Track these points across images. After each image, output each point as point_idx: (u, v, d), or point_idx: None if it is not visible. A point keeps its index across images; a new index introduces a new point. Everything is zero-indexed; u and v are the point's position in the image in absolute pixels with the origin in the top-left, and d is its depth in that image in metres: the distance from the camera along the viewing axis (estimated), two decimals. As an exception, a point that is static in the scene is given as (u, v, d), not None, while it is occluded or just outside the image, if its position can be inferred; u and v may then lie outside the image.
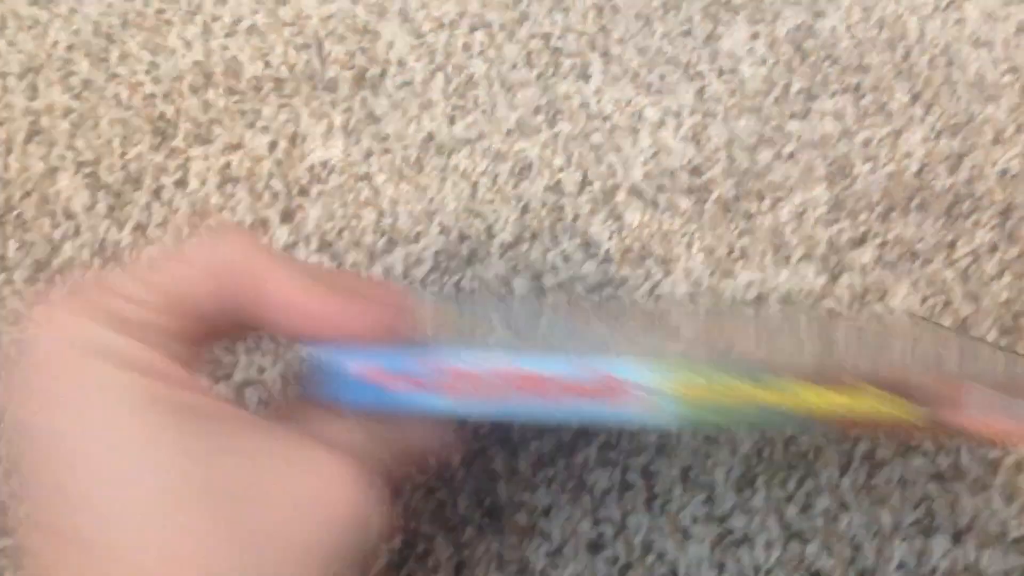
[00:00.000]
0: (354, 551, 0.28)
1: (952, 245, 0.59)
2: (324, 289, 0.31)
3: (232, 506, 0.26)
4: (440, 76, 0.62)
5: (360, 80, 0.62)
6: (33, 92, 0.58)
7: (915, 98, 0.65)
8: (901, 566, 0.48)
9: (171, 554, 0.24)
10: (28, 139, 0.56)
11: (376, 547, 0.29)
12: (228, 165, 0.57)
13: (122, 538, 0.25)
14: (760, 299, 0.55)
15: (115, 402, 0.26)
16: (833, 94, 0.64)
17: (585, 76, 0.63)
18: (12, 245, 0.52)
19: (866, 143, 0.62)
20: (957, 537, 0.49)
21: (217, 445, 0.27)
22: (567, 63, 0.64)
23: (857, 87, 0.65)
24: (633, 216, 0.57)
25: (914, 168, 0.61)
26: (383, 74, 0.62)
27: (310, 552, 0.26)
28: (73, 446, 0.26)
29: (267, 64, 0.61)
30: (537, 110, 0.62)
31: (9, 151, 0.56)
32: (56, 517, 0.25)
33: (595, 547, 0.50)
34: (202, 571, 0.24)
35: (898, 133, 0.63)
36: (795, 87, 0.64)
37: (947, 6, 0.70)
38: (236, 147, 0.57)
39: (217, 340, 0.32)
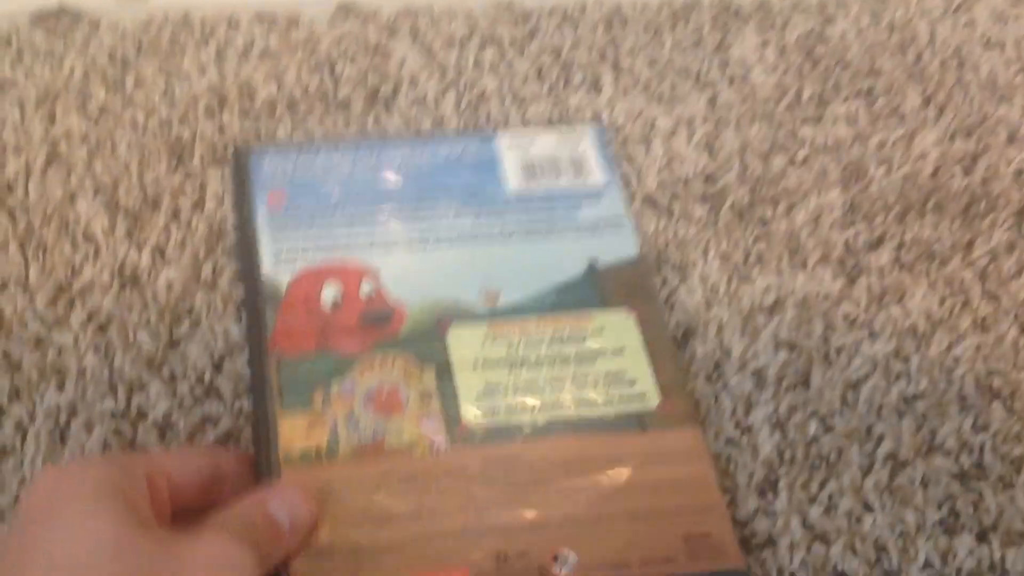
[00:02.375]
0: None
1: (969, 245, 0.58)
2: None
3: (153, 572, 0.36)
4: (452, 93, 0.63)
5: (372, 99, 0.62)
6: (51, 119, 0.59)
7: (928, 100, 0.65)
8: (926, 566, 0.48)
9: None
10: (47, 165, 0.57)
11: None
12: (245, 186, 0.57)
13: None
14: (778, 303, 0.55)
15: (82, 504, 0.37)
16: (845, 98, 0.64)
17: (596, 88, 0.64)
18: (34, 269, 0.53)
19: (880, 146, 0.62)
20: (982, 536, 0.49)
21: (141, 533, 0.37)
22: (578, 76, 0.64)
23: (869, 91, 0.65)
24: (648, 224, 0.57)
25: (929, 170, 0.61)
26: (395, 92, 0.63)
27: None
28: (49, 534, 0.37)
29: (280, 86, 0.62)
30: (549, 123, 0.62)
31: (29, 177, 0.56)
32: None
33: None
34: None
35: (912, 135, 0.63)
36: (807, 93, 0.64)
37: (957, 8, 0.70)
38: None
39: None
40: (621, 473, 0.46)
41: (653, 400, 0.48)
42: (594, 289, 0.52)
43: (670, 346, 0.50)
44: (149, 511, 0.39)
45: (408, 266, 0.52)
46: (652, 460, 0.46)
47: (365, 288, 0.51)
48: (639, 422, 0.48)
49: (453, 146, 0.57)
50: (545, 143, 0.57)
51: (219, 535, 0.39)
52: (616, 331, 0.50)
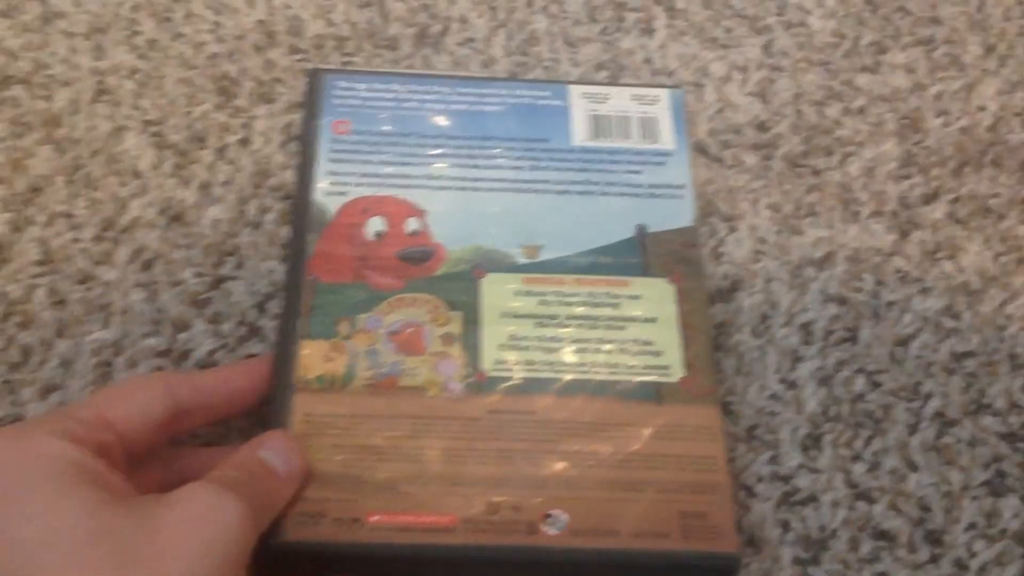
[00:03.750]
0: (234, 548, 0.36)
1: (1027, 201, 0.57)
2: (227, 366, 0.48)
3: (131, 545, 0.34)
4: (502, 33, 0.62)
5: (422, 38, 0.61)
6: (99, 52, 0.59)
7: (989, 50, 0.63)
8: (971, 527, 0.47)
9: None
10: (95, 99, 0.57)
11: (248, 543, 0.37)
12: (291, 124, 0.57)
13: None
14: (829, 256, 0.54)
15: (51, 486, 0.35)
16: (904, 47, 0.63)
17: (649, 31, 0.63)
18: (80, 203, 0.53)
19: (938, 97, 0.61)
20: (1029, 498, 0.48)
21: (119, 510, 0.35)
22: (631, 18, 0.63)
23: (929, 39, 0.63)
24: (698, 173, 0.57)
25: (988, 122, 0.60)
26: (445, 31, 0.62)
27: (200, 560, 0.35)
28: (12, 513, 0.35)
29: (329, 22, 0.61)
30: (600, 66, 0.61)
31: (76, 111, 0.56)
32: None
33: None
34: None
35: (971, 86, 0.61)
36: (865, 40, 0.63)
37: (1024, -46, 0.68)
38: (299, 106, 0.58)
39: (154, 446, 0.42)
40: (629, 442, 0.45)
41: (676, 374, 0.47)
42: (639, 255, 0.51)
43: (705, 322, 0.49)
44: (121, 480, 0.38)
45: (456, 209, 0.51)
46: (663, 434, 0.46)
47: (410, 225, 0.51)
48: (657, 394, 0.47)
49: (524, 92, 0.56)
50: (619, 100, 0.56)
51: (200, 489, 0.37)
52: (653, 300, 0.50)
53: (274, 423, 0.44)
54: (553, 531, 0.43)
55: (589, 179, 0.53)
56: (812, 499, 0.48)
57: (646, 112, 0.56)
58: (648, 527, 0.43)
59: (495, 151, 0.54)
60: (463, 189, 0.52)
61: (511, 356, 0.47)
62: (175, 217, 0.53)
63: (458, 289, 0.49)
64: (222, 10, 0.61)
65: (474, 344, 0.47)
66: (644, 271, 0.50)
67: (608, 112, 0.56)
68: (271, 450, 0.42)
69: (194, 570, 0.34)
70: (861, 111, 0.60)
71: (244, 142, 0.56)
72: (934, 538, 0.47)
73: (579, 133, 0.55)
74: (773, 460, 0.49)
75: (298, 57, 0.60)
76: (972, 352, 0.52)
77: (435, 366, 0.47)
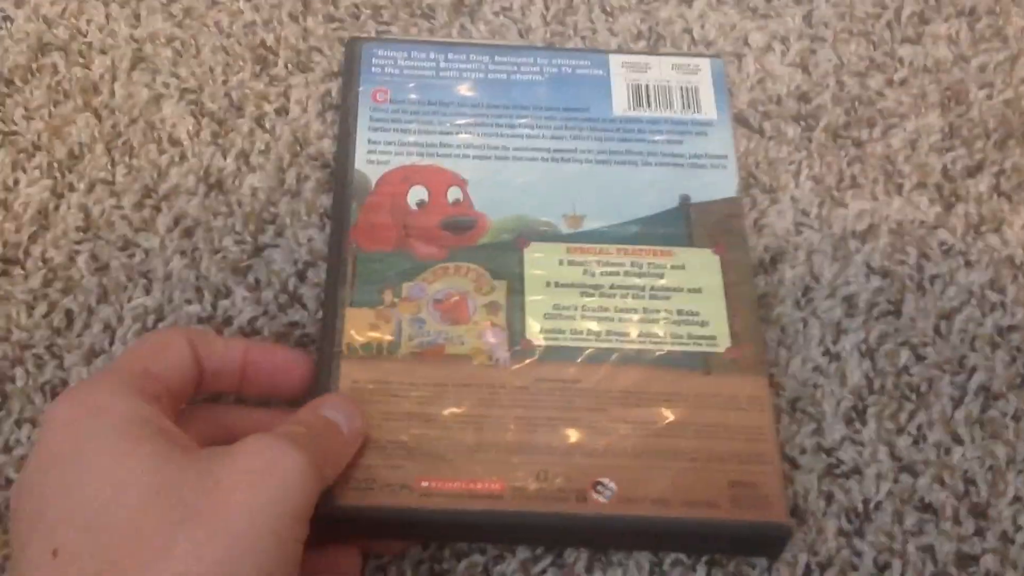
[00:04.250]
0: (298, 500, 0.36)
1: (1072, 174, 0.57)
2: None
3: (195, 497, 0.34)
4: (539, 2, 0.61)
5: (458, 6, 0.61)
6: (136, 20, 0.58)
7: (1034, 21, 0.62)
8: (1016, 500, 0.47)
9: (160, 530, 0.34)
10: (132, 66, 0.57)
11: (311, 496, 0.37)
12: (328, 93, 0.57)
13: (121, 527, 0.34)
14: (872, 229, 0.54)
15: (118, 441, 0.36)
16: (947, 18, 0.62)
17: (688, 0, 0.62)
18: (120, 170, 0.53)
19: (982, 68, 0.60)
20: (1075, 472, 0.48)
21: (183, 463, 0.36)
22: (670, -13, 0.62)
23: (972, 10, 0.62)
24: (739, 144, 0.56)
25: (1032, 94, 0.59)
26: (481, 0, 0.61)
27: (262, 511, 0.34)
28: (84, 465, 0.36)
29: (366, -10, 0.61)
30: (638, 36, 0.60)
31: (115, 78, 0.56)
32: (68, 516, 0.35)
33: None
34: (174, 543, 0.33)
35: (1015, 58, 0.60)
36: (907, 10, 0.62)
37: (1068, -76, 0.67)
38: (335, 75, 0.57)
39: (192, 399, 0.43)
40: (676, 411, 0.45)
41: (722, 344, 0.47)
42: (682, 225, 0.51)
43: (750, 292, 0.49)
44: (182, 433, 0.38)
45: (497, 178, 0.51)
46: (711, 403, 0.46)
47: (452, 195, 0.51)
48: (704, 364, 0.47)
49: (564, 61, 0.56)
50: (660, 70, 0.56)
51: (262, 441, 0.37)
52: (697, 270, 0.49)
53: (321, 390, 0.44)
54: (602, 499, 0.43)
55: (630, 149, 0.53)
56: (856, 471, 0.47)
57: (687, 82, 0.55)
58: (697, 496, 0.43)
59: (535, 120, 0.53)
60: (504, 159, 0.52)
61: (556, 325, 0.47)
62: (214, 185, 0.53)
63: (501, 259, 0.49)
64: (258, -22, 0.60)
65: (519, 313, 0.47)
66: (688, 241, 0.50)
67: (649, 82, 0.55)
68: (333, 408, 0.41)
69: (256, 521, 0.34)
70: (903, 83, 0.59)
71: (281, 111, 0.56)
72: (979, 511, 0.47)
73: (620, 103, 0.54)
74: (817, 432, 0.48)
75: (334, 26, 0.59)
76: (1017, 326, 0.51)
77: (481, 335, 0.46)
